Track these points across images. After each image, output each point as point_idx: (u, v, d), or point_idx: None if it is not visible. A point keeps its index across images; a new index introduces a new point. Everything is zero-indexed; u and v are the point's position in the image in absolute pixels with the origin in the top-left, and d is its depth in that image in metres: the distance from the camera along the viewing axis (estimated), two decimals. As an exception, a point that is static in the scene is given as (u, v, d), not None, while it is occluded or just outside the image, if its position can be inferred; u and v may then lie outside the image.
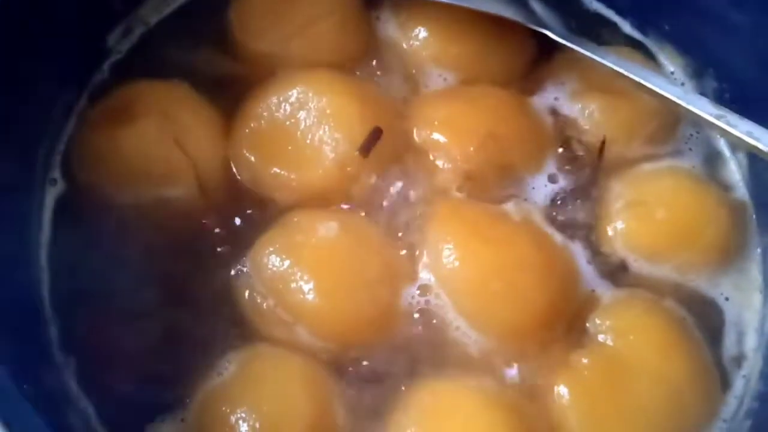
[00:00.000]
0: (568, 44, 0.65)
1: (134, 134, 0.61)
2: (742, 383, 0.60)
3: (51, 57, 0.62)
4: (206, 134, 0.64)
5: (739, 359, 0.61)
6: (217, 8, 0.70)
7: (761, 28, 0.62)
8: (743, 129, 0.55)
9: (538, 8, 0.71)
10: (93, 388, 0.56)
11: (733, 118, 0.56)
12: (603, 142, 0.66)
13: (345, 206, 0.62)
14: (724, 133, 0.56)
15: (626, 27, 0.74)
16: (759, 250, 0.65)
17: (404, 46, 0.69)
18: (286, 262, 0.57)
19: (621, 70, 0.62)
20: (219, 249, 0.61)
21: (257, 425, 0.52)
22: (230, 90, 0.67)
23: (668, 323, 0.59)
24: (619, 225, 0.63)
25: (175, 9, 0.71)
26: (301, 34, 0.68)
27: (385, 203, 0.63)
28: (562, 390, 0.56)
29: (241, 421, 0.52)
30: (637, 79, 0.60)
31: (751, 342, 0.62)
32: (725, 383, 0.60)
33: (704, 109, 0.57)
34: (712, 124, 0.56)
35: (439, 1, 0.65)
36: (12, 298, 0.56)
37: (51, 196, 0.63)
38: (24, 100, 0.59)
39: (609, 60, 0.63)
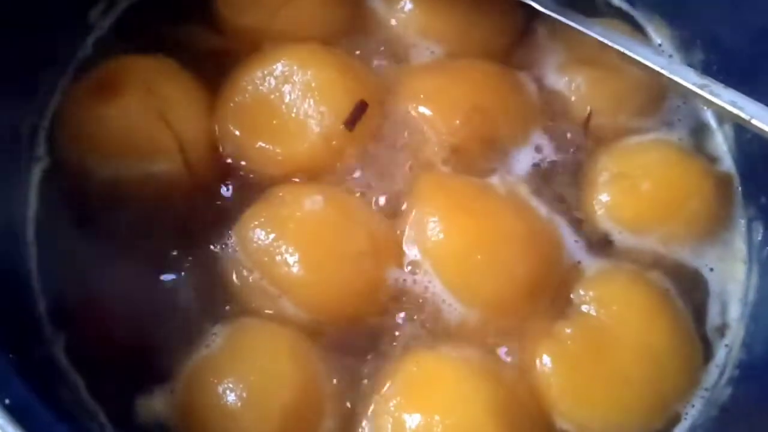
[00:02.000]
0: (554, 16, 0.65)
1: (118, 109, 0.61)
2: (725, 352, 0.61)
3: (34, 33, 0.62)
4: (191, 109, 0.64)
5: (722, 329, 0.62)
6: (201, -18, 0.69)
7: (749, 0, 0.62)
8: (727, 98, 0.55)
9: (525, -20, 0.71)
10: (82, 361, 0.56)
11: (717, 87, 0.56)
12: (589, 115, 0.66)
13: (330, 180, 0.63)
14: (708, 103, 0.56)
15: (614, -2, 0.73)
16: (743, 221, 0.65)
17: (390, 19, 0.69)
18: (272, 236, 0.58)
19: (606, 41, 0.61)
20: (204, 223, 0.61)
21: (244, 395, 0.52)
22: (215, 64, 0.66)
23: (652, 294, 0.60)
24: (604, 198, 0.63)
25: (158, -17, 0.71)
26: (285, 8, 0.67)
27: (370, 177, 0.63)
28: (545, 359, 0.56)
29: (228, 392, 0.52)
30: (621, 49, 0.60)
31: (734, 312, 0.63)
32: (708, 353, 0.61)
33: (688, 78, 0.57)
34: (697, 94, 0.56)
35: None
36: (0, 274, 0.56)
37: (37, 172, 0.63)
38: (7, 76, 0.59)
39: (594, 31, 0.63)
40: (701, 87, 0.56)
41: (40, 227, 0.61)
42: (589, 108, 0.66)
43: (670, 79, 0.58)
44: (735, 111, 0.54)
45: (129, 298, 0.58)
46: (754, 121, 0.53)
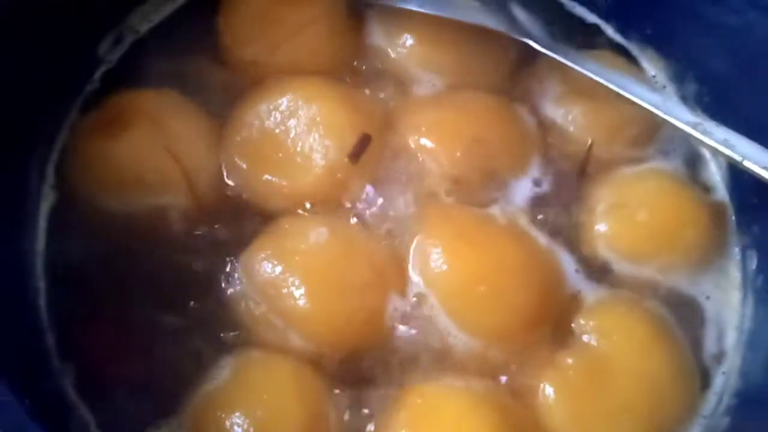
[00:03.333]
0: (550, 54, 0.66)
1: (126, 143, 0.62)
2: (722, 380, 0.62)
3: (43, 68, 0.63)
4: (197, 142, 0.65)
5: (719, 357, 0.63)
6: (207, 16, 0.70)
7: (740, 31, 0.63)
8: (720, 137, 0.56)
9: (521, 15, 0.72)
10: (91, 395, 0.57)
11: (710, 125, 0.58)
12: (590, 146, 0.67)
13: (335, 212, 0.64)
14: (701, 143, 0.58)
15: (609, 31, 0.75)
16: (738, 250, 0.66)
17: (391, 53, 0.70)
18: (278, 268, 0.59)
19: (600, 79, 0.63)
20: (211, 255, 0.62)
21: (251, 430, 0.53)
22: (221, 97, 0.67)
23: (650, 323, 0.61)
24: (602, 227, 0.65)
25: (164, 17, 0.72)
26: (289, 42, 0.69)
27: (374, 209, 0.64)
28: (547, 390, 0.57)
29: (236, 426, 0.53)
30: (615, 88, 0.62)
31: (730, 340, 0.64)
32: (705, 380, 0.62)
33: (681, 117, 0.59)
34: (690, 134, 0.58)
35: (424, 12, 0.67)
36: (9, 307, 0.56)
37: (45, 205, 0.63)
38: (17, 110, 0.60)
39: (589, 68, 0.64)
40: (694, 126, 0.57)
41: (49, 261, 0.62)
42: (590, 140, 0.67)
43: (664, 119, 0.59)
44: (728, 152, 0.55)
45: (136, 332, 0.59)
46: (746, 163, 0.54)
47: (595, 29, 0.75)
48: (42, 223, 0.63)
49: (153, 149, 0.62)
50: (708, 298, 0.65)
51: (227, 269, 0.61)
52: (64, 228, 0.63)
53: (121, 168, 0.62)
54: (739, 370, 0.62)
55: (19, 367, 0.52)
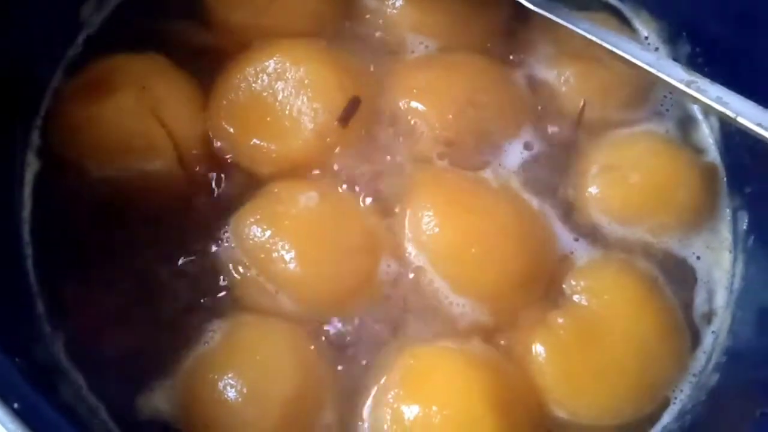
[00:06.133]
0: (543, 13, 0.65)
1: (111, 108, 0.61)
2: (712, 339, 0.63)
3: (24, 32, 0.62)
4: (184, 106, 0.64)
5: (709, 316, 0.64)
6: (192, -23, 0.69)
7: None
8: (713, 95, 0.55)
9: (514, -26, 0.71)
10: (82, 359, 0.57)
11: (704, 83, 0.57)
12: (582, 107, 0.67)
13: (325, 176, 0.63)
14: (696, 101, 0.57)
15: (603, -9, 0.74)
16: (729, 211, 0.67)
17: (382, 14, 0.69)
18: (268, 232, 0.58)
19: (593, 38, 0.62)
20: (200, 220, 0.61)
21: (244, 390, 0.53)
22: (207, 61, 0.66)
23: (640, 283, 0.61)
24: (594, 190, 0.65)
25: (148, -21, 0.70)
26: (276, 3, 0.68)
27: (365, 172, 0.64)
28: (539, 349, 0.58)
29: (228, 387, 0.53)
30: (609, 47, 0.61)
31: (720, 299, 0.64)
32: (695, 339, 0.62)
33: (675, 75, 0.58)
34: (684, 92, 0.57)
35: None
36: (-3, 274, 0.56)
37: (30, 171, 0.63)
38: (-1, 75, 0.59)
39: (582, 28, 0.64)
40: (688, 84, 0.57)
41: (36, 227, 0.61)
42: (582, 101, 0.66)
43: (658, 76, 0.59)
44: (722, 109, 0.54)
45: (126, 296, 0.59)
46: (739, 119, 0.54)
47: (589, -10, 0.74)
48: (28, 190, 0.62)
49: (139, 114, 0.62)
50: (699, 258, 0.65)
51: (217, 234, 0.61)
52: (51, 194, 0.62)
53: (106, 133, 0.61)
54: (728, 328, 0.62)
55: (10, 332, 0.52)
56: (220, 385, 0.53)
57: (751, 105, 0.55)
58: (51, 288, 0.59)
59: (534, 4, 0.66)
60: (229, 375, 0.53)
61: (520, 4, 0.67)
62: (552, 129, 0.68)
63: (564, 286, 0.61)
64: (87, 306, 0.58)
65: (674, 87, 0.58)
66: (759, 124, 0.53)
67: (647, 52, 0.62)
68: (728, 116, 0.55)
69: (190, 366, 0.56)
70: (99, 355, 0.56)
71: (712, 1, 0.66)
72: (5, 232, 0.60)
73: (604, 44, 0.62)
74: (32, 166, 0.63)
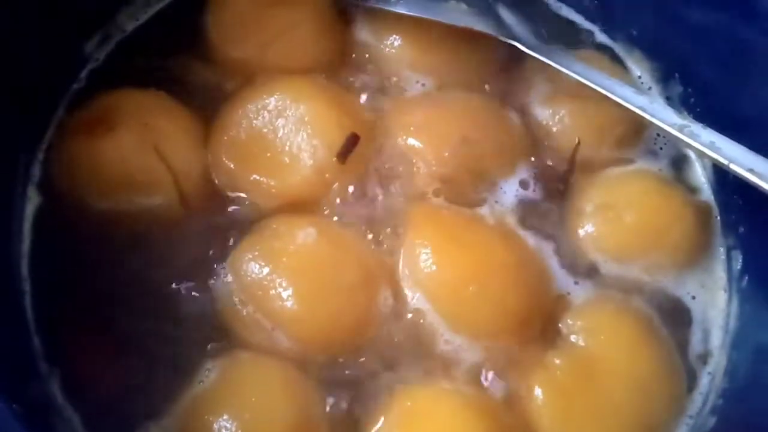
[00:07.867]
0: (537, 56, 0.67)
1: (113, 143, 0.62)
2: (708, 380, 0.62)
3: (28, 66, 0.62)
4: (185, 142, 0.65)
5: (704, 356, 0.64)
6: (194, 15, 0.70)
7: (723, 31, 0.64)
8: (705, 140, 0.56)
9: (508, 17, 0.72)
10: (78, 398, 0.56)
11: (696, 127, 0.58)
12: (577, 146, 0.68)
13: (323, 212, 0.64)
14: (687, 145, 0.58)
15: (596, 32, 0.76)
16: (723, 250, 0.67)
17: (379, 53, 0.71)
18: (265, 269, 0.58)
19: (587, 82, 0.63)
20: (199, 256, 0.61)
21: None
22: (208, 97, 0.67)
23: (637, 323, 0.61)
24: (589, 228, 0.65)
25: (152, 16, 0.71)
26: (277, 41, 0.69)
27: (363, 209, 0.64)
28: (536, 390, 0.57)
29: (223, 429, 0.53)
30: (602, 91, 0.62)
31: (716, 340, 0.64)
32: (691, 380, 0.62)
33: (667, 119, 0.59)
34: (677, 137, 0.58)
35: (411, 15, 0.67)
36: (-6, 309, 0.56)
37: (31, 206, 0.63)
38: (2, 108, 0.59)
39: (576, 70, 0.65)
40: (680, 128, 0.57)
41: (35, 262, 0.61)
42: (577, 139, 0.67)
43: (651, 121, 0.60)
44: (713, 155, 0.55)
45: (124, 334, 0.58)
46: (732, 166, 0.54)
47: (582, 30, 0.76)
48: (27, 225, 0.62)
49: (140, 149, 0.62)
50: (694, 298, 0.65)
51: (215, 270, 0.61)
52: (50, 229, 0.62)
53: (107, 168, 0.61)
54: (724, 369, 0.62)
55: (6, 370, 0.51)
56: (215, 426, 0.53)
57: (743, 150, 0.56)
58: (48, 325, 0.59)
59: (528, 47, 0.68)
60: (224, 416, 0.53)
61: (515, 46, 0.68)
62: (547, 167, 0.68)
63: (561, 325, 0.61)
64: (84, 344, 0.58)
65: (668, 132, 0.59)
66: (750, 170, 0.54)
67: (640, 96, 0.63)
68: (720, 162, 0.55)
69: (185, 406, 0.55)
70: (95, 394, 0.56)
71: (703, 43, 0.67)
72: (3, 267, 0.60)
73: (597, 88, 0.63)
74: (33, 200, 0.63)
